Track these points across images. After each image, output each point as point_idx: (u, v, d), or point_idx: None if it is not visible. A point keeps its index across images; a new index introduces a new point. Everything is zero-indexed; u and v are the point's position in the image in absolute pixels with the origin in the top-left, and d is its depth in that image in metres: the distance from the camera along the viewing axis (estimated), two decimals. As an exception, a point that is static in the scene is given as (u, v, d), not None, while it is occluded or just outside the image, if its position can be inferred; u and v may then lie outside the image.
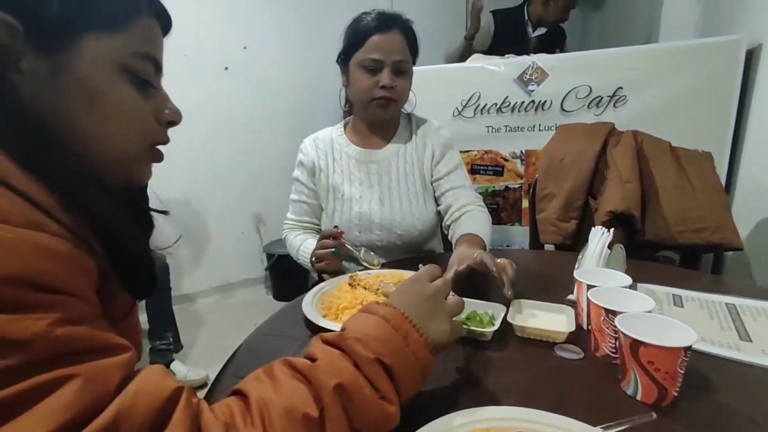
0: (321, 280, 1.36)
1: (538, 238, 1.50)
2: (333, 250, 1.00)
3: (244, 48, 2.69)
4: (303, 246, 1.14)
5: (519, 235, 1.99)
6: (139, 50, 0.43)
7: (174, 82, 0.47)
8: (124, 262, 0.42)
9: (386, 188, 1.15)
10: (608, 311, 0.62)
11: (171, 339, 1.98)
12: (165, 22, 0.47)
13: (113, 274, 0.41)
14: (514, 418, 0.48)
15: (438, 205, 1.19)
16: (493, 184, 1.99)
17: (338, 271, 1.05)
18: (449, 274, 0.80)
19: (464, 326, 0.68)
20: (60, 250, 0.33)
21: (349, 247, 1.02)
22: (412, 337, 0.45)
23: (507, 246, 2.00)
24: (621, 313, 0.59)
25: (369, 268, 1.00)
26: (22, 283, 0.31)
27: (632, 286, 0.72)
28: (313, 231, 1.23)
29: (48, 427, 0.29)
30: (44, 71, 0.38)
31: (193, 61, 2.48)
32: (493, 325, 0.69)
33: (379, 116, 1.13)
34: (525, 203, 1.95)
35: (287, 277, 2.73)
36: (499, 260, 0.83)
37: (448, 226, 1.13)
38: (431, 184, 1.18)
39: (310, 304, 0.79)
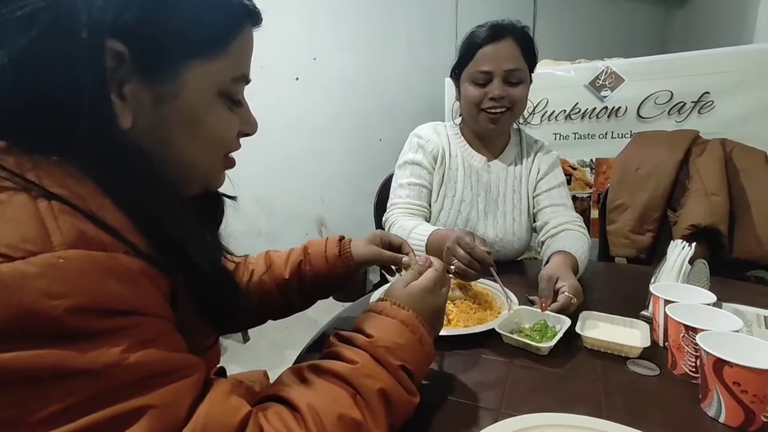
0: (383, 281, 1.40)
1: (608, 251, 1.44)
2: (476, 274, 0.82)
3: (314, 59, 2.84)
4: (416, 230, 1.01)
5: (586, 246, 1.90)
6: (237, 74, 0.43)
7: (250, 91, 0.49)
8: (202, 285, 0.41)
9: (492, 201, 1.13)
10: (688, 328, 0.59)
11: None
12: (257, 20, 0.46)
13: (193, 308, 0.41)
14: (588, 427, 0.48)
15: (534, 221, 1.15)
16: (559, 193, 1.93)
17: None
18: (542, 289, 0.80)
19: (522, 340, 0.68)
20: (131, 270, 0.33)
21: (500, 285, 0.84)
22: (425, 339, 0.50)
23: (573, 258, 1.92)
24: (703, 330, 0.57)
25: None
26: (95, 311, 0.30)
27: (716, 305, 0.68)
28: (423, 216, 1.13)
29: None
30: (148, 100, 0.38)
31: (268, 72, 2.65)
32: (553, 339, 0.67)
33: (488, 130, 1.08)
34: (594, 214, 1.86)
35: (347, 278, 2.82)
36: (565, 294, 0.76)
37: (543, 242, 1.08)
38: (533, 197, 1.15)
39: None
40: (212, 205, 0.52)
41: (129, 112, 0.37)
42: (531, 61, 1.06)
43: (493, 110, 1.04)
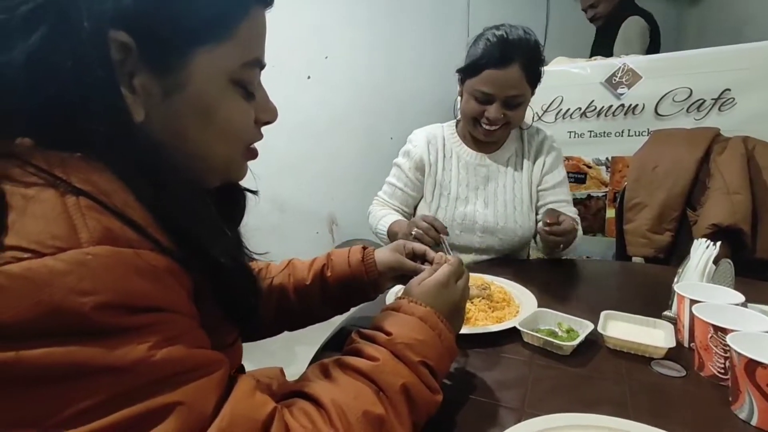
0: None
1: (626, 250, 1.41)
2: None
3: (326, 58, 2.84)
4: (384, 219, 1.15)
5: (601, 246, 1.87)
6: (248, 59, 0.41)
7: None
8: (222, 280, 0.40)
9: (492, 192, 1.16)
10: (717, 328, 0.58)
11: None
12: (265, 1, 0.43)
13: (215, 305, 0.41)
14: (619, 429, 0.47)
15: (537, 214, 1.18)
16: (573, 192, 1.89)
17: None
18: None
19: (544, 338, 0.67)
20: (156, 267, 0.32)
21: (445, 246, 0.91)
22: (444, 335, 0.50)
23: (587, 257, 1.90)
24: (732, 331, 0.55)
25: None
26: (123, 307, 0.30)
27: (742, 305, 0.66)
28: (399, 213, 1.22)
29: None
30: (158, 92, 0.37)
31: (281, 71, 2.66)
32: (574, 339, 0.66)
33: (482, 138, 1.13)
34: (609, 213, 1.83)
35: (357, 277, 2.81)
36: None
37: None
38: (537, 192, 1.17)
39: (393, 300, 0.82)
40: (233, 201, 0.51)
41: (141, 106, 0.37)
42: (535, 81, 1.07)
43: (488, 127, 1.07)
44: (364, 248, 0.73)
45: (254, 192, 0.53)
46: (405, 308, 0.50)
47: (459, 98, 1.15)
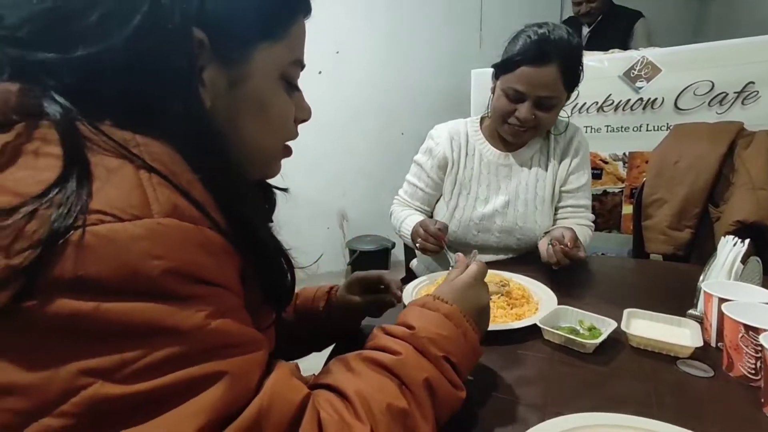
0: (409, 274, 1.39)
1: (643, 247, 1.39)
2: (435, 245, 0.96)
3: (337, 52, 2.83)
4: (407, 221, 1.14)
5: (617, 243, 1.84)
6: (294, 58, 0.45)
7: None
8: (268, 263, 0.43)
9: (513, 191, 1.12)
10: (749, 328, 0.56)
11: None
12: (309, 9, 0.48)
13: (257, 287, 0.42)
14: (649, 429, 0.46)
15: (555, 213, 1.16)
16: (589, 188, 1.87)
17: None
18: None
19: (567, 336, 0.66)
20: (215, 244, 0.35)
21: (448, 253, 0.94)
22: (469, 334, 0.49)
23: (602, 254, 1.86)
24: (765, 330, 0.53)
25: None
26: (186, 276, 0.32)
27: (773, 304, 0.64)
28: (420, 213, 1.21)
29: (198, 422, 0.30)
30: (223, 84, 0.41)
31: (292, 66, 2.66)
32: (597, 337, 0.65)
33: (510, 139, 1.10)
34: (626, 209, 1.80)
35: (368, 272, 2.81)
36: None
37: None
38: (560, 191, 1.14)
39: (410, 296, 0.81)
40: (265, 196, 0.53)
41: (208, 98, 0.40)
42: (572, 85, 1.03)
43: (517, 127, 1.04)
44: (331, 289, 0.73)
45: (285, 189, 0.56)
46: (430, 304, 0.50)
47: (491, 95, 1.11)
